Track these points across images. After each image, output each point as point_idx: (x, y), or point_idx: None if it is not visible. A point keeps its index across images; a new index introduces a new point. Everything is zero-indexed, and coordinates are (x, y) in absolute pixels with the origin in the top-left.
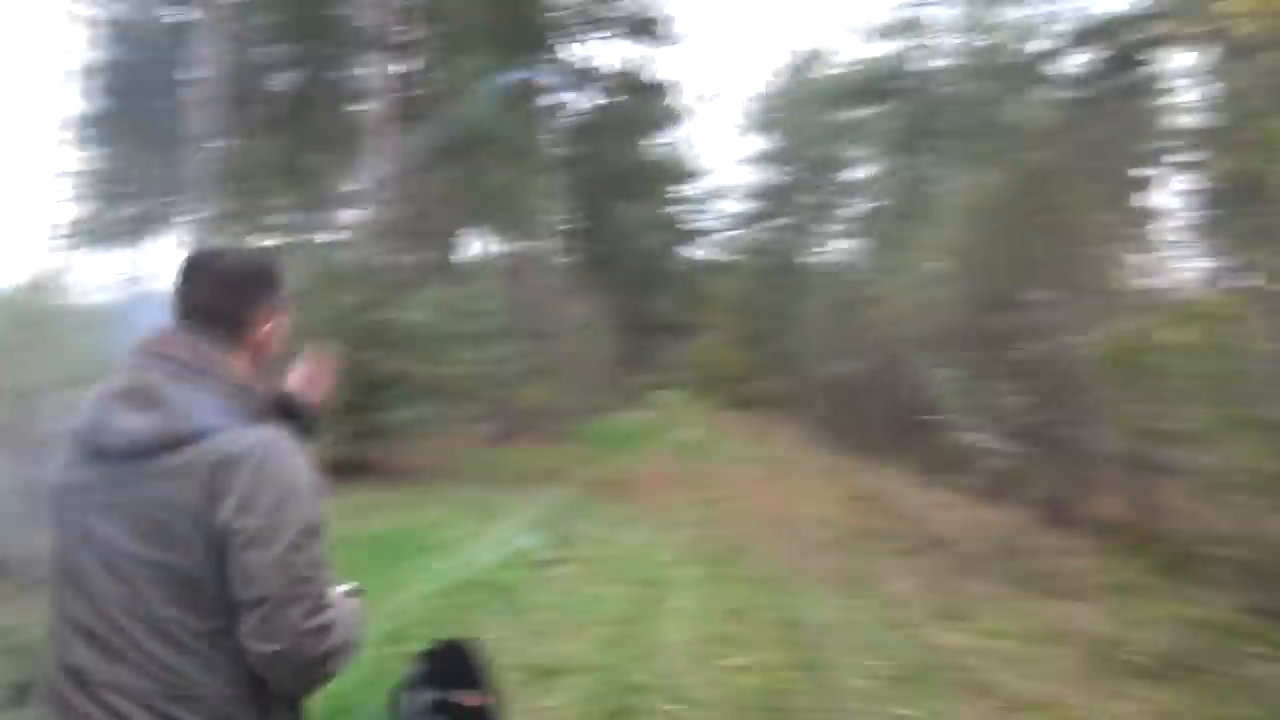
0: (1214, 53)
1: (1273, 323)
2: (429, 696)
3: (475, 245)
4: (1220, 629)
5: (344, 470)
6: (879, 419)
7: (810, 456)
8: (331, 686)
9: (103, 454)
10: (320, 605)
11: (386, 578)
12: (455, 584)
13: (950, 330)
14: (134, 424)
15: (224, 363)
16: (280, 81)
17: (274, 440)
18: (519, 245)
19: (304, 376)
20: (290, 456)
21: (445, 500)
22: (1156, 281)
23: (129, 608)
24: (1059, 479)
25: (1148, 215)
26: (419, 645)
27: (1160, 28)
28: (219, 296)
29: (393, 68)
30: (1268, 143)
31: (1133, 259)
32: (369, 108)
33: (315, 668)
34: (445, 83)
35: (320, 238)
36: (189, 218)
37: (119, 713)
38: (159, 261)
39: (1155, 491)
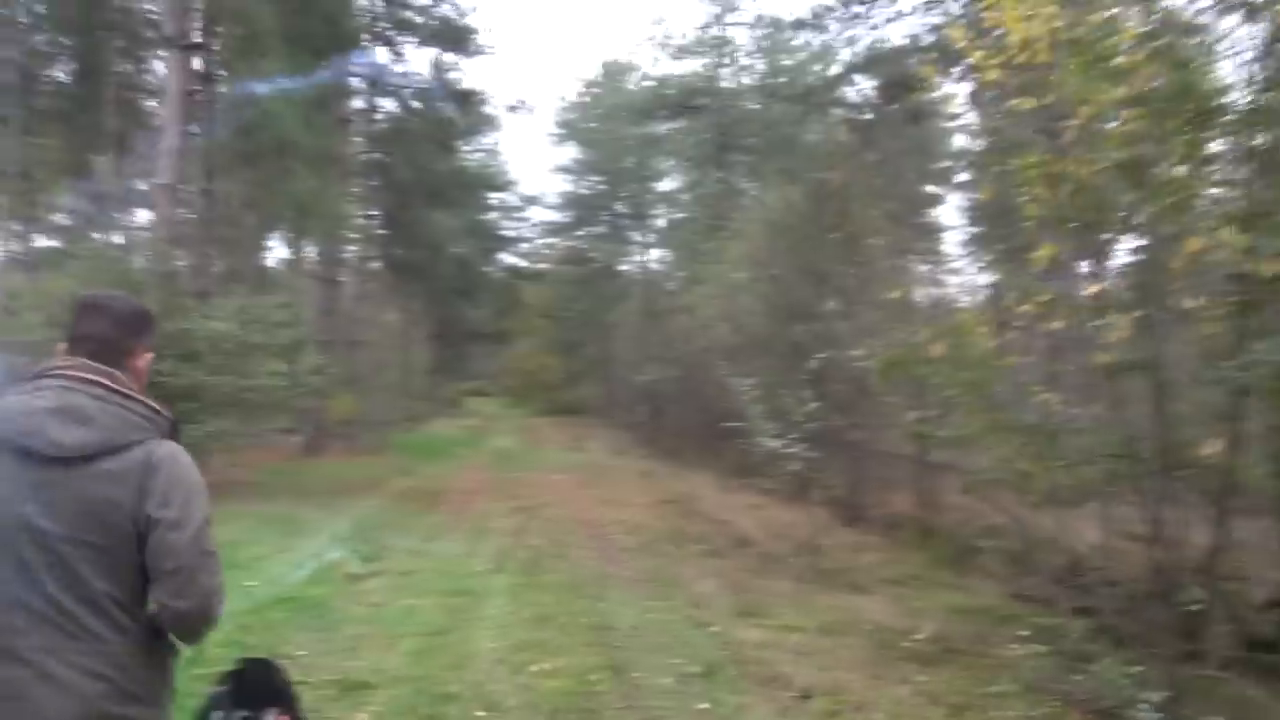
0: (971, 88)
1: (1022, 337)
2: (238, 716)
3: (281, 252)
4: (987, 615)
5: None
6: (690, 425)
7: (624, 462)
8: None
9: (31, 457)
10: (218, 572)
11: None
12: (263, 602)
13: (752, 339)
14: (71, 435)
15: (134, 389)
16: (63, 73)
17: (179, 451)
18: (328, 253)
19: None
20: (190, 464)
21: (251, 516)
22: (934, 294)
23: (64, 584)
24: (852, 480)
25: (930, 231)
26: (225, 666)
27: (926, 62)
28: (114, 332)
29: (187, 67)
30: (1016, 176)
31: (915, 272)
32: (161, 107)
33: (212, 619)
34: (243, 84)
35: (110, 240)
36: None
37: (38, 666)
38: None
39: (936, 489)
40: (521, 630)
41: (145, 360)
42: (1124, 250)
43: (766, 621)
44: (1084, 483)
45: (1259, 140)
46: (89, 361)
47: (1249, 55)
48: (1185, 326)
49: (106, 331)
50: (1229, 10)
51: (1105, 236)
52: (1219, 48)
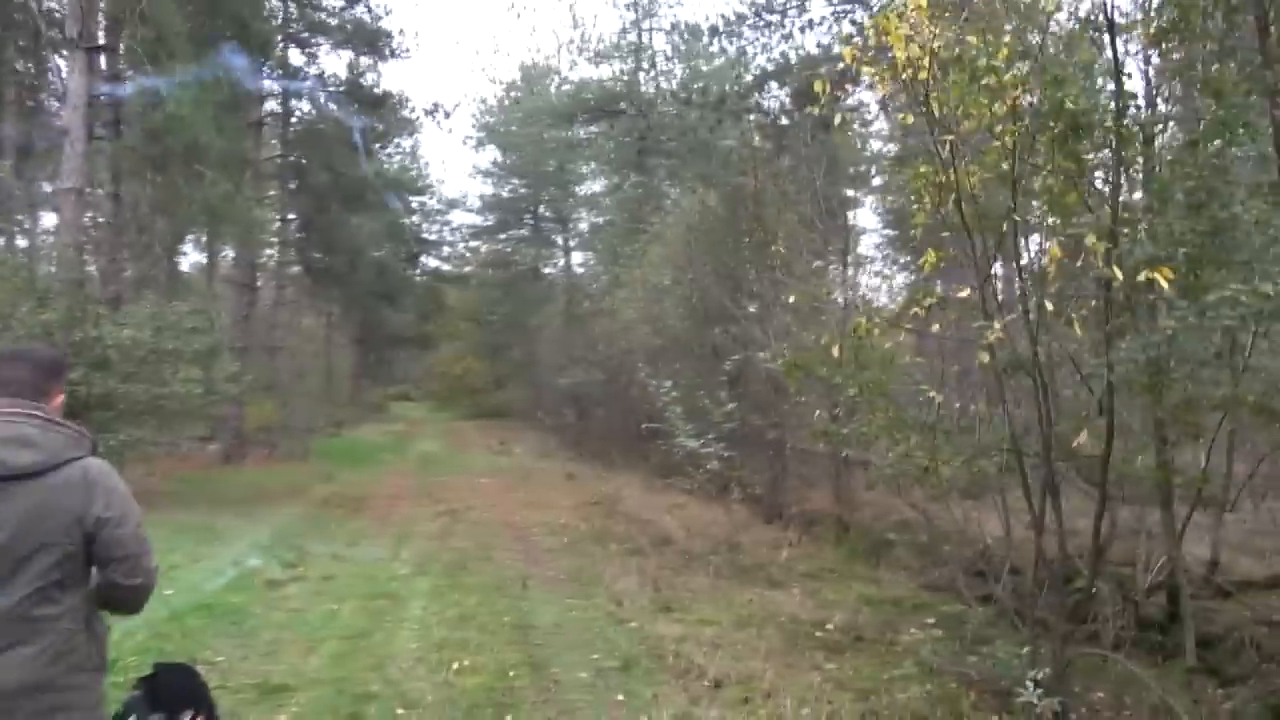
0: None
1: (917, 339)
2: (154, 718)
3: (196, 258)
4: (896, 605)
5: None
6: (615, 428)
7: (550, 465)
8: None
9: None
10: (153, 555)
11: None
12: (180, 610)
13: (673, 342)
14: (21, 458)
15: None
16: None
17: (105, 464)
18: (243, 258)
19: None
20: (114, 473)
21: (168, 525)
22: (850, 296)
23: (17, 578)
24: (771, 479)
25: (845, 235)
26: (141, 673)
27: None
28: (34, 377)
29: (92, 68)
30: (909, 184)
31: (830, 275)
32: (65, 109)
33: (152, 590)
34: (152, 86)
35: (14, 245)
36: None
37: None
38: None
39: (851, 487)
40: (443, 630)
41: (60, 399)
42: (1002, 256)
43: (684, 616)
44: (979, 476)
45: (1125, 154)
46: (19, 399)
47: (1116, 73)
48: (1060, 327)
49: (27, 377)
50: (1098, 30)
51: (987, 243)
52: (1091, 66)
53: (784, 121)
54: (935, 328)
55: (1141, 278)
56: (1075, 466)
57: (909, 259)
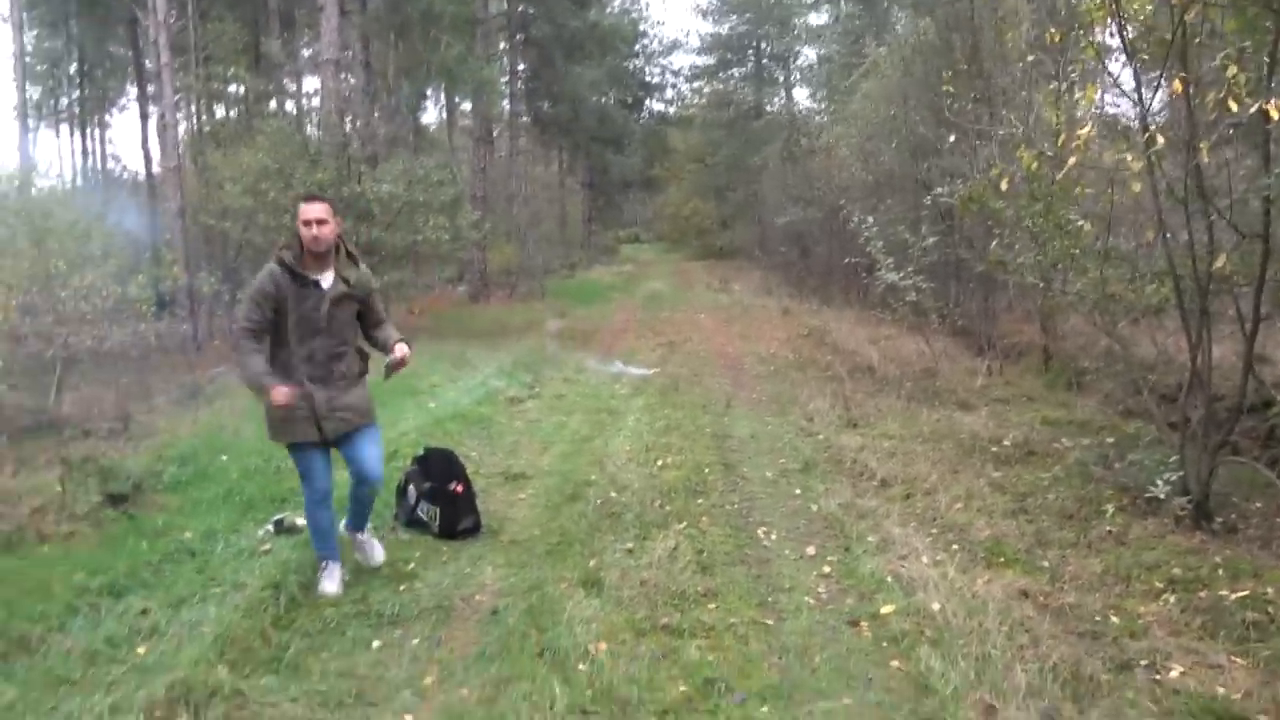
0: None
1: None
2: (426, 485)
3: (432, 115)
4: (1080, 426)
5: None
6: (832, 265)
7: (768, 302)
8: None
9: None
10: None
11: (383, 417)
12: (440, 418)
13: (886, 177)
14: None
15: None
16: None
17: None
18: (478, 112)
19: None
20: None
21: (425, 353)
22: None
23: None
24: (979, 311)
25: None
26: (415, 455)
27: None
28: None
29: None
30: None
31: (1056, 99)
32: None
33: None
34: None
35: (282, 110)
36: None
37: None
38: (118, 142)
39: (1057, 318)
40: (652, 436)
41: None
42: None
43: (868, 431)
44: (1151, 301)
45: None
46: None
47: None
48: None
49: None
50: None
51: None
52: None
53: None
54: (1095, 157)
55: None
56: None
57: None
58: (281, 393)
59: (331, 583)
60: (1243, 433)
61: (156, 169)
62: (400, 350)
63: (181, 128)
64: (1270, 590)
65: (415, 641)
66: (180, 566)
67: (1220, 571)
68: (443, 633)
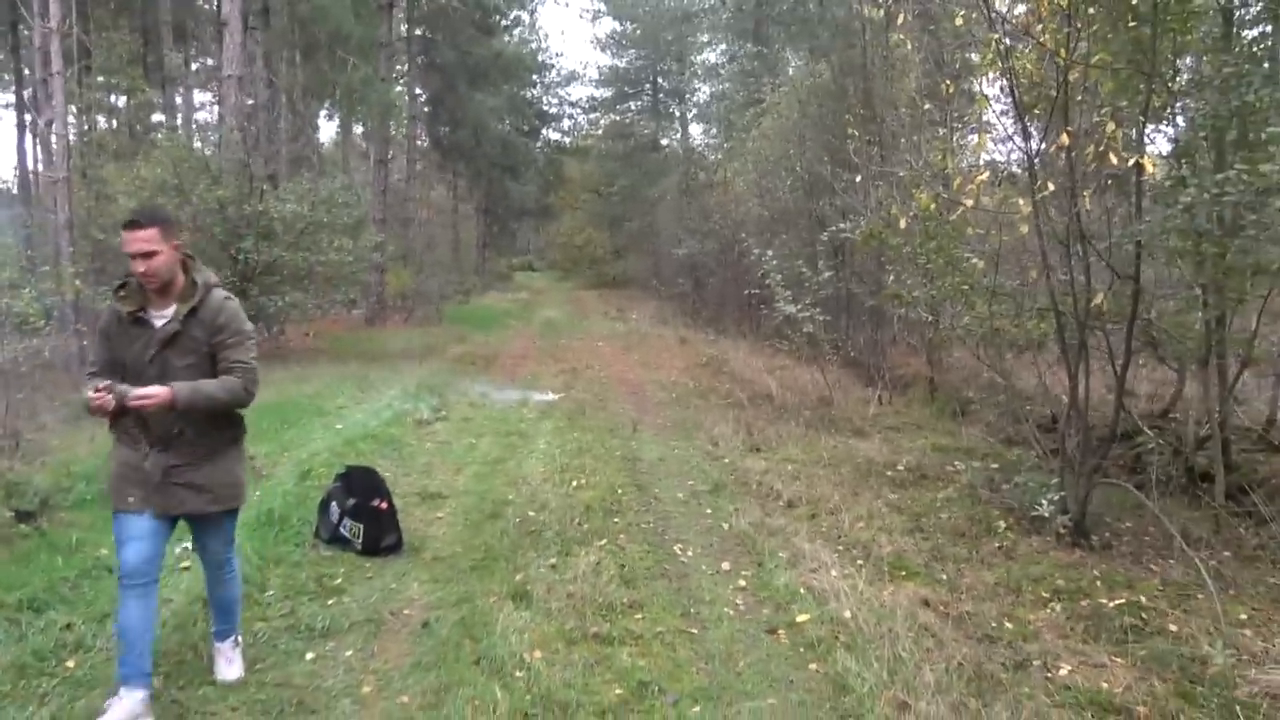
0: None
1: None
2: (350, 501)
3: (334, 136)
4: (965, 452)
5: None
6: (727, 296)
7: (665, 331)
8: (267, 506)
9: None
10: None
11: (291, 436)
12: (351, 438)
13: (781, 213)
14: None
15: None
16: None
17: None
18: (377, 134)
19: None
20: None
21: (328, 375)
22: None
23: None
24: (869, 343)
25: (956, 104)
26: (331, 477)
27: None
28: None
29: None
30: (978, 70)
31: (934, 145)
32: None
33: None
34: None
35: (185, 129)
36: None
37: None
38: None
39: (941, 351)
40: (564, 458)
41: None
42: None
43: (770, 456)
44: (1031, 336)
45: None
46: None
47: None
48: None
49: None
50: None
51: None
52: None
53: None
54: (986, 201)
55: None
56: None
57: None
58: (93, 396)
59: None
60: (1113, 459)
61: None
62: (147, 394)
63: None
64: (1143, 598)
65: (349, 653)
66: (99, 583)
67: (1099, 583)
68: (375, 645)
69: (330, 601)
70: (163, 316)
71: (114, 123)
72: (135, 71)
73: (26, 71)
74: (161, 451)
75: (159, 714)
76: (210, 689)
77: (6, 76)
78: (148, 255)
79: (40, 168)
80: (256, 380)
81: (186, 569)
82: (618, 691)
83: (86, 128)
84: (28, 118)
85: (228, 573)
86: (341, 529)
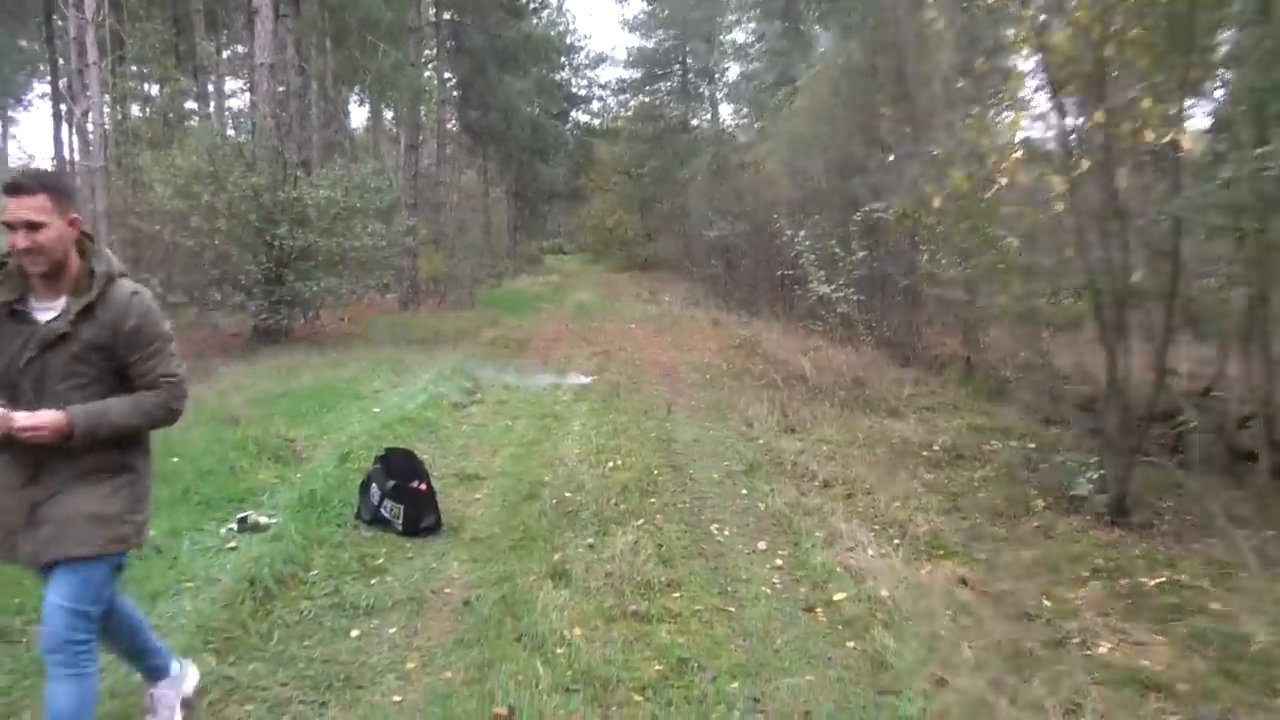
0: None
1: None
2: (389, 483)
3: (364, 121)
4: (1002, 432)
5: (266, 338)
6: (759, 277)
7: (697, 313)
8: (309, 488)
9: None
10: None
11: (330, 420)
12: (388, 421)
13: (814, 194)
14: None
15: None
16: None
17: None
18: (408, 119)
19: None
20: None
21: (364, 359)
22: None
23: None
24: (905, 323)
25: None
26: (370, 459)
27: None
28: None
29: None
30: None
31: (977, 121)
32: None
33: None
34: None
35: (206, 112)
36: (66, 92)
37: None
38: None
39: (978, 330)
40: (599, 439)
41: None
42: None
43: (805, 436)
44: (1070, 314)
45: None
46: None
47: None
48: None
49: None
50: None
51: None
52: None
53: None
54: (1021, 179)
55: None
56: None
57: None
58: None
59: None
60: (1153, 438)
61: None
62: (35, 423)
63: (107, 127)
64: (1184, 577)
65: (393, 630)
66: (149, 564)
67: (1139, 561)
68: (418, 623)
69: (373, 581)
70: (48, 310)
71: (148, 111)
72: (168, 60)
73: (62, 62)
74: (25, 485)
75: (211, 689)
76: (260, 664)
77: (42, 67)
78: (32, 227)
79: (77, 157)
80: (184, 395)
81: (234, 549)
82: (657, 668)
83: (121, 117)
84: (63, 108)
85: (68, 667)
86: (382, 510)
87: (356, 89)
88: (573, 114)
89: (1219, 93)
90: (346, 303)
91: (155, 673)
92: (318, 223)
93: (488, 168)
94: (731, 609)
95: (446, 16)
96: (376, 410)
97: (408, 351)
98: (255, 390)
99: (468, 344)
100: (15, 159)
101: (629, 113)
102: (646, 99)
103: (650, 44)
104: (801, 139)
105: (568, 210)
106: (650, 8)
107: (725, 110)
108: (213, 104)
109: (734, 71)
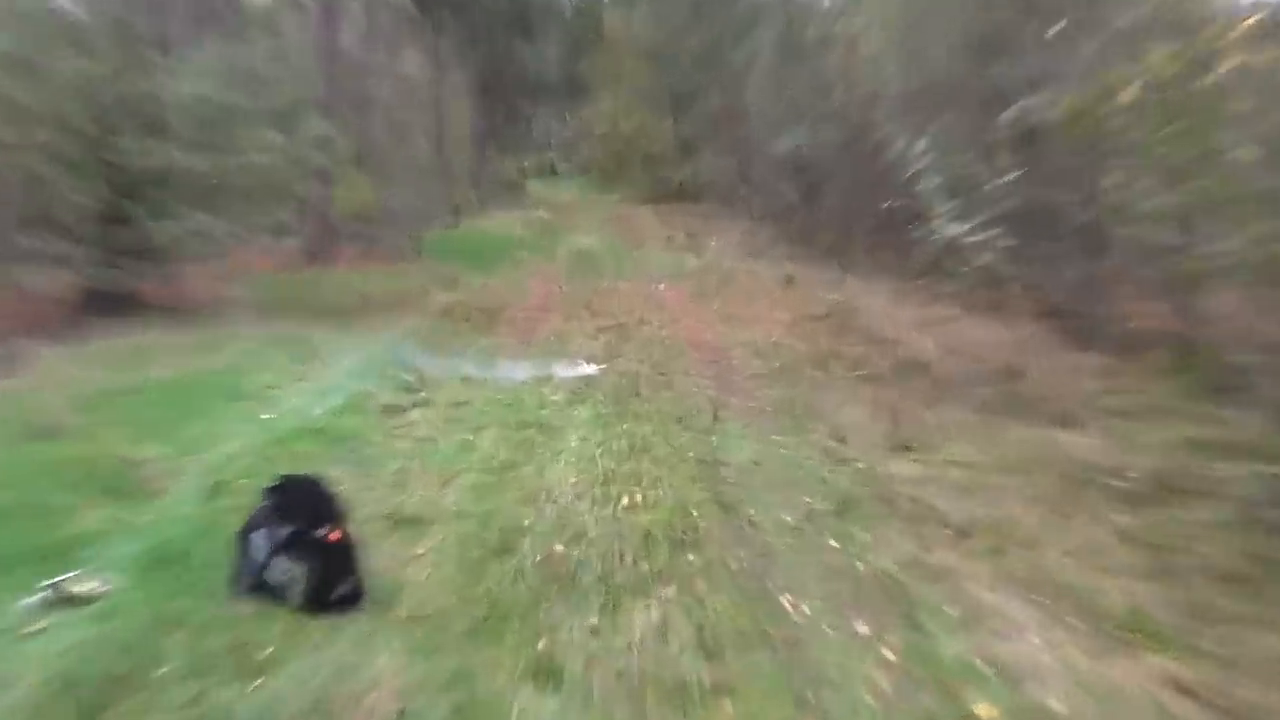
0: None
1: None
2: (284, 530)
3: None
4: (1222, 447)
5: (102, 305)
6: (855, 212)
7: (760, 266)
8: (159, 538)
9: None
10: None
11: (196, 432)
12: (283, 434)
13: (935, 84)
14: None
15: None
16: None
17: None
18: None
19: None
20: None
21: (250, 339)
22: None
23: None
24: (1075, 281)
25: None
26: (255, 494)
27: None
28: None
29: None
30: None
31: None
32: None
33: None
34: None
35: None
36: None
37: None
38: None
39: (1196, 292)
40: (608, 463)
41: None
42: None
43: (928, 457)
44: None
45: None
46: None
47: None
48: None
49: None
50: None
51: None
52: None
53: None
54: (1255, 61)
55: None
56: None
57: None
58: None
59: None
60: None
61: None
62: None
63: None
64: None
65: None
66: None
67: None
68: None
69: (256, 684)
70: None
71: None
72: None
73: None
74: None
75: None
76: None
77: None
78: None
79: None
80: None
81: (40, 632)
82: None
83: None
84: None
85: None
86: (271, 572)
87: None
88: None
89: None
90: (225, 252)
91: None
92: (182, 132)
93: (441, 47)
94: None
95: None
96: (267, 417)
97: (317, 327)
98: (83, 386)
99: (408, 315)
100: None
101: None
102: None
103: None
104: (918, 3)
105: (562, 112)
106: None
107: None
108: None
109: None
